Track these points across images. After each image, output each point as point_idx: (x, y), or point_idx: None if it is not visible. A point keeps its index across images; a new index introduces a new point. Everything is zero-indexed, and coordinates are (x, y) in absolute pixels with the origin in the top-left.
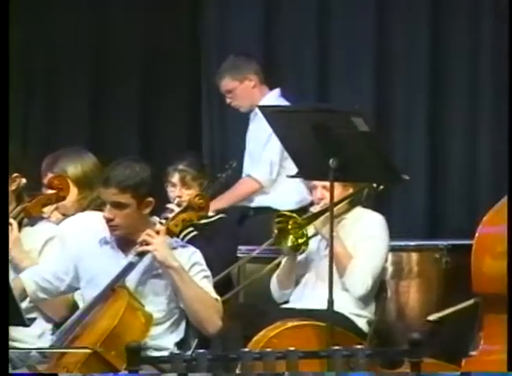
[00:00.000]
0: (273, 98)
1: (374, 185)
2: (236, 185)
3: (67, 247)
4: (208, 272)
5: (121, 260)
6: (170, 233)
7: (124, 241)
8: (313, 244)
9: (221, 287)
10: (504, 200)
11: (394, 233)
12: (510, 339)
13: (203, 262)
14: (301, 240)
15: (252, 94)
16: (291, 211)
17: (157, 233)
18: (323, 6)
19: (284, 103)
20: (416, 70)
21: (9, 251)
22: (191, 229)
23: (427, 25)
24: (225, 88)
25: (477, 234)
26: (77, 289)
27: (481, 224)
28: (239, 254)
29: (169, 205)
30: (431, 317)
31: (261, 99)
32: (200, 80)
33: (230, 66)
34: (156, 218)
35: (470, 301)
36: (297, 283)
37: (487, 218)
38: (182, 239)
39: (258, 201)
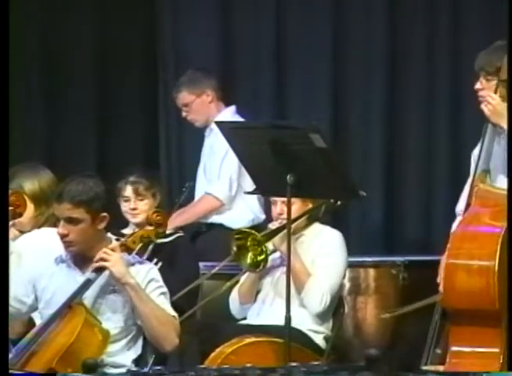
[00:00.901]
0: (229, 114)
1: (332, 201)
2: (195, 202)
3: (25, 267)
4: (165, 289)
5: (78, 277)
6: (127, 250)
7: (80, 258)
8: (272, 260)
9: (181, 304)
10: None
11: (351, 249)
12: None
13: (159, 278)
14: (260, 257)
15: (208, 109)
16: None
17: (114, 249)
18: (281, 20)
19: (240, 119)
20: (373, 84)
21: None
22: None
23: (385, 36)
24: (182, 102)
25: (448, 249)
26: (37, 309)
27: (451, 237)
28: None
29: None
30: (384, 315)
31: (217, 114)
32: (158, 96)
33: (188, 79)
34: (111, 235)
35: (428, 301)
36: (254, 299)
37: (458, 231)
38: (141, 255)
39: (211, 218)
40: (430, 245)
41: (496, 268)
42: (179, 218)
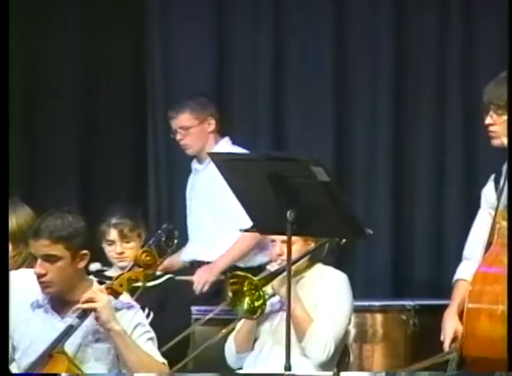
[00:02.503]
0: (227, 145)
1: (336, 239)
2: (236, 241)
3: None
4: (152, 334)
5: (57, 323)
6: (114, 294)
7: (59, 302)
8: (270, 305)
9: (172, 353)
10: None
11: (357, 293)
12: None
13: (146, 322)
14: (257, 303)
15: (206, 138)
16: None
17: (102, 291)
18: (279, 48)
19: (239, 150)
20: (379, 116)
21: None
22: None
23: (391, 58)
24: (182, 124)
25: (469, 292)
26: (13, 360)
27: (473, 279)
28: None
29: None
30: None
31: (214, 145)
32: (147, 131)
33: (194, 103)
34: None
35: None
36: (252, 348)
37: (479, 272)
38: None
39: (201, 256)
40: (442, 288)
41: None
42: (224, 261)
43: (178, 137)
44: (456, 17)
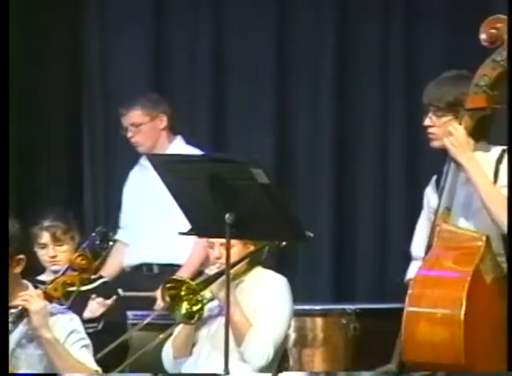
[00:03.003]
0: (181, 144)
1: (276, 242)
2: (192, 251)
3: None
4: (87, 341)
5: None
6: (49, 298)
7: None
8: (208, 310)
9: (111, 356)
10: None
11: (297, 296)
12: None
13: (82, 329)
14: (195, 307)
15: (158, 135)
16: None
17: (38, 295)
18: (219, 48)
19: (193, 151)
20: (321, 117)
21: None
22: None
23: (332, 60)
24: (132, 120)
25: (408, 296)
26: None
27: (412, 283)
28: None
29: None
30: None
31: (167, 144)
32: (83, 131)
33: (145, 99)
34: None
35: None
36: (190, 353)
37: (419, 276)
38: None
39: (166, 257)
40: (383, 292)
41: (462, 317)
42: (187, 273)
43: (129, 134)
44: (399, 19)
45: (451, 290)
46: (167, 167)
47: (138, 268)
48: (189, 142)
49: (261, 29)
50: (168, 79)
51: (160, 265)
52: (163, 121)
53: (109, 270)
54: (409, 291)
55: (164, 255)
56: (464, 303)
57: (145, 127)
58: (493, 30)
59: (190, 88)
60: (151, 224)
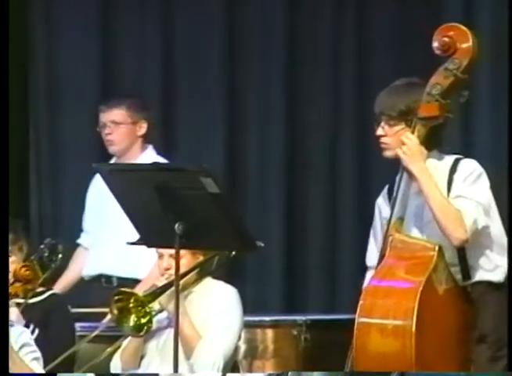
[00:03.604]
0: (152, 154)
1: (226, 252)
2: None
3: None
4: (38, 354)
5: None
6: None
7: None
8: (157, 321)
9: (59, 369)
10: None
11: (247, 307)
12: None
13: (32, 342)
14: (144, 320)
15: (134, 141)
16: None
17: None
18: (167, 50)
19: (163, 161)
20: (271, 125)
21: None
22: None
23: (284, 71)
24: (114, 118)
25: (359, 306)
26: None
27: (363, 293)
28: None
29: None
30: None
31: (139, 152)
32: (29, 140)
33: (132, 101)
34: None
35: None
36: (138, 366)
37: (370, 286)
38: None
39: (113, 270)
40: (335, 303)
41: (413, 328)
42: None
43: (107, 131)
44: (350, 25)
45: (402, 300)
46: (114, 176)
47: (97, 279)
48: (159, 152)
49: (210, 31)
50: (117, 82)
51: (120, 279)
52: (142, 128)
53: (67, 278)
54: (361, 302)
55: (124, 268)
56: (416, 314)
57: (125, 128)
58: (446, 39)
59: (139, 90)
60: (113, 232)
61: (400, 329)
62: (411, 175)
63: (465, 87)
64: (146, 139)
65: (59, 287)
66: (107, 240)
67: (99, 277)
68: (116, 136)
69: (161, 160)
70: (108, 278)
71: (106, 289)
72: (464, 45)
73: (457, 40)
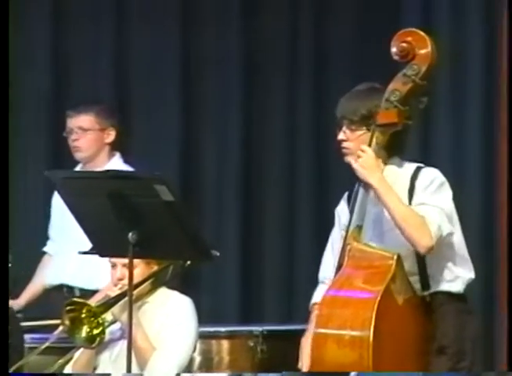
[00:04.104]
0: (119, 163)
1: (180, 262)
2: None
3: None
4: None
5: None
6: None
7: None
8: (110, 333)
9: None
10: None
11: (202, 318)
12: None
13: None
14: (96, 331)
15: (101, 148)
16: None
17: None
18: (121, 59)
19: (129, 169)
20: (229, 131)
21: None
22: None
23: (239, 79)
24: (81, 124)
25: (316, 317)
26: None
27: (320, 303)
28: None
29: None
30: None
31: (105, 158)
32: None
33: (101, 108)
34: None
35: None
36: None
37: (328, 296)
38: None
39: (74, 281)
40: (292, 313)
41: (371, 339)
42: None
43: (74, 137)
44: (306, 31)
45: (360, 310)
46: (66, 183)
47: (59, 288)
48: (126, 160)
49: (165, 40)
50: (70, 91)
51: (82, 290)
52: (110, 135)
53: (34, 287)
54: (317, 312)
55: (86, 279)
56: (373, 324)
57: (92, 134)
58: (404, 44)
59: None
60: (75, 242)
61: (357, 340)
62: (368, 186)
63: (424, 93)
64: (114, 146)
65: (26, 296)
66: (70, 249)
67: (60, 287)
68: (83, 143)
69: (128, 168)
70: (70, 289)
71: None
72: (423, 51)
73: (416, 45)
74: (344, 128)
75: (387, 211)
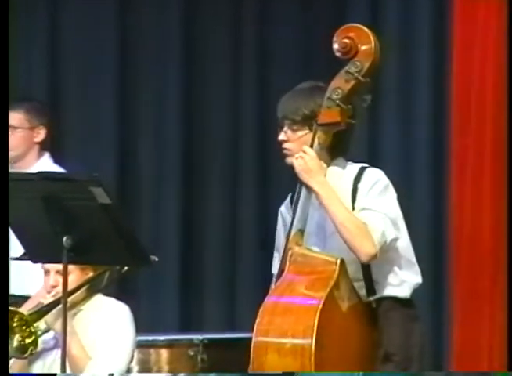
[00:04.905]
0: (48, 163)
1: (117, 268)
2: None
3: None
4: None
5: None
6: None
7: None
8: (43, 342)
9: None
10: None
11: (140, 326)
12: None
13: None
14: (28, 340)
15: (31, 147)
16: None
17: None
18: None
19: (59, 170)
20: (168, 130)
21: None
22: None
23: (181, 75)
24: (11, 121)
25: (256, 324)
26: None
27: (261, 310)
28: None
29: None
30: None
31: (33, 157)
32: None
33: (31, 106)
34: None
35: None
36: None
37: (268, 303)
38: None
39: (19, 290)
40: (234, 321)
41: (313, 347)
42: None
43: None
44: (251, 28)
45: (302, 318)
46: None
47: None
48: (56, 160)
49: (103, 35)
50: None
51: (13, 296)
52: (40, 134)
53: None
54: (258, 320)
55: (17, 285)
56: (315, 332)
57: (21, 133)
58: (346, 40)
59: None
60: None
61: (299, 348)
62: (310, 190)
63: (368, 91)
64: (44, 145)
65: None
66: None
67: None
68: (11, 141)
69: (57, 169)
70: (16, 298)
71: None
72: (365, 47)
73: (358, 41)
74: (285, 129)
75: (329, 216)
